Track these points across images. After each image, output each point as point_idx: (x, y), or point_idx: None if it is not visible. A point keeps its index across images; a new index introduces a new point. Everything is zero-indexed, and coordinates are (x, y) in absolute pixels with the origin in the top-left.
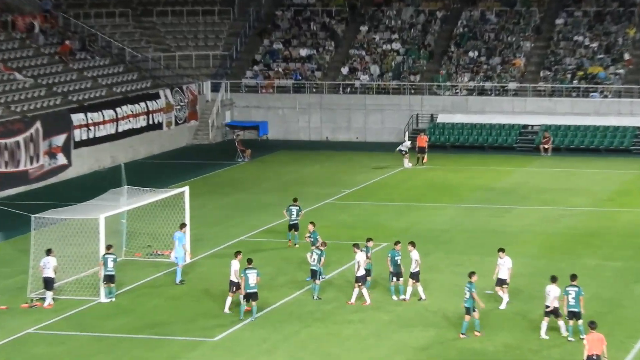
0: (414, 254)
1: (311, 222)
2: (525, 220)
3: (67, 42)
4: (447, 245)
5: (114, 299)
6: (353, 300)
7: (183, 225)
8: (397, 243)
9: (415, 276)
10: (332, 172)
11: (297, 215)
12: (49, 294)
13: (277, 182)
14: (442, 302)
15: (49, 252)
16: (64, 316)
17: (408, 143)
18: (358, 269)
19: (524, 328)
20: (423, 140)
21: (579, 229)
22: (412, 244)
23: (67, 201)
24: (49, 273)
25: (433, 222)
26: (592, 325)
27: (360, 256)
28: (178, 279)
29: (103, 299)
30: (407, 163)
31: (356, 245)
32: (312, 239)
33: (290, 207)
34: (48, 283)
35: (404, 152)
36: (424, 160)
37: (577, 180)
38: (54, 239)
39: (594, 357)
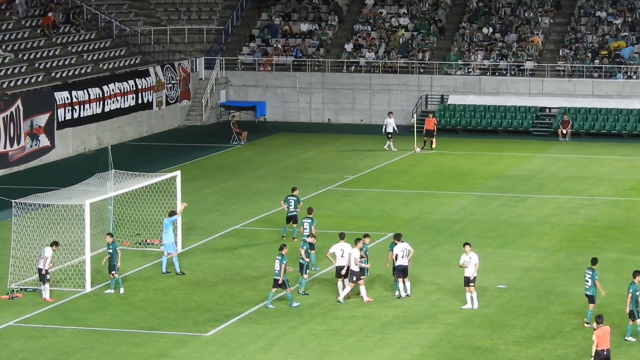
0: (398, 247)
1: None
2: (542, 211)
3: (50, 14)
4: (458, 236)
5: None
6: (341, 297)
7: (172, 213)
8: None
9: (399, 272)
10: (335, 156)
11: (296, 206)
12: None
13: (275, 167)
14: (451, 297)
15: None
16: (46, 308)
17: (390, 121)
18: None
19: (539, 326)
20: (431, 123)
21: (600, 221)
22: (396, 236)
23: (50, 186)
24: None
25: (443, 211)
26: (599, 319)
27: (335, 247)
28: (177, 269)
29: (108, 291)
30: (391, 146)
31: (341, 235)
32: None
33: (288, 198)
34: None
35: (389, 135)
36: (433, 145)
37: (597, 168)
38: (35, 225)
39: (605, 352)
